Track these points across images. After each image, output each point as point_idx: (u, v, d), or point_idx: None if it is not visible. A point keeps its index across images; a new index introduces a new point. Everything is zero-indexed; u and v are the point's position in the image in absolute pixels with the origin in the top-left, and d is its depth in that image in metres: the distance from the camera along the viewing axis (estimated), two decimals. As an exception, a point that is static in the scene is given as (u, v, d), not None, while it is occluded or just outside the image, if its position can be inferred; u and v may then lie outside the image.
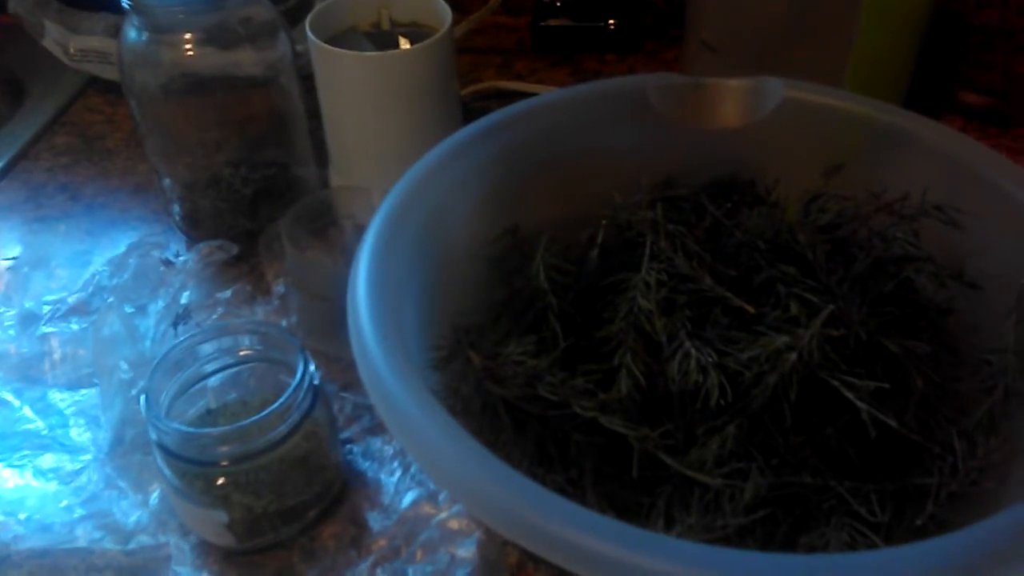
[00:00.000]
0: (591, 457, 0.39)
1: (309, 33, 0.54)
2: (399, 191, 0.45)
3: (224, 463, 0.40)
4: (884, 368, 0.40)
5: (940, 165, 0.46)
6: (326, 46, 0.53)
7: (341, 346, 0.52)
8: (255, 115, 0.57)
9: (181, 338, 0.44)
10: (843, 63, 0.56)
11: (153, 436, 0.40)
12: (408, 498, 0.44)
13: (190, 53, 0.53)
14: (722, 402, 0.38)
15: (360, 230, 0.56)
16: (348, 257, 0.55)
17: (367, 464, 0.46)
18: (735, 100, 0.51)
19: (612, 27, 0.78)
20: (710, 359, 0.39)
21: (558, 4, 0.79)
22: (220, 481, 0.40)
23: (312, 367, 0.42)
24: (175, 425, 0.40)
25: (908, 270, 0.43)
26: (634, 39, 0.79)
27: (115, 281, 0.55)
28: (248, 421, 0.40)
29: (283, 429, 0.40)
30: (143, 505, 0.44)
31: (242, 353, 0.44)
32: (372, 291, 0.40)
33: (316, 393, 0.42)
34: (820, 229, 0.45)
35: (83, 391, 0.51)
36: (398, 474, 0.45)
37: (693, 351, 0.39)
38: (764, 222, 0.47)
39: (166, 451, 0.40)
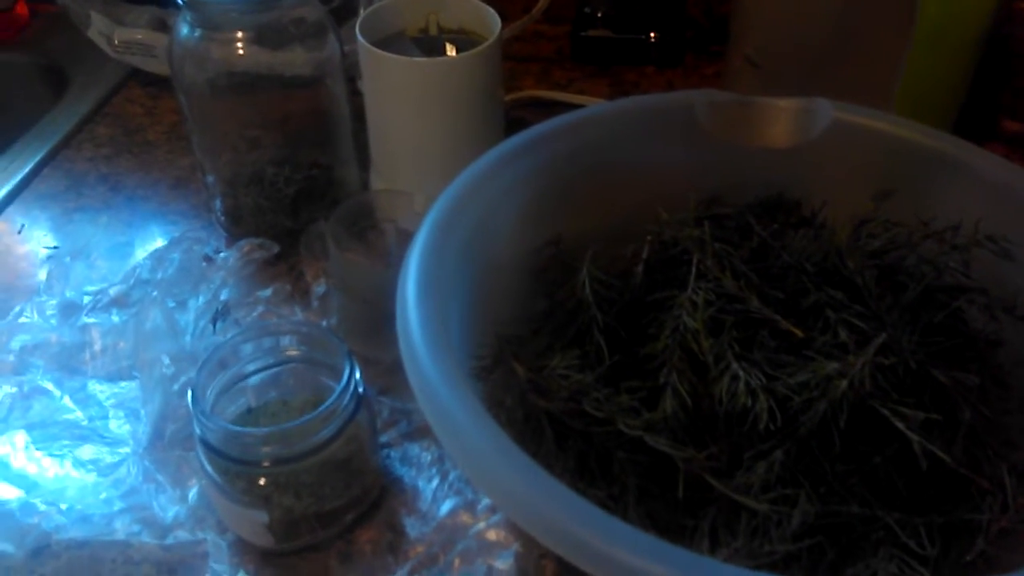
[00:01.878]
0: (634, 474, 0.39)
1: (359, 36, 0.54)
2: (448, 198, 0.45)
3: (267, 463, 0.40)
4: (932, 398, 0.40)
5: (991, 194, 0.46)
6: (376, 50, 0.53)
7: (380, 349, 0.53)
8: (301, 115, 0.57)
9: (228, 336, 0.44)
10: (892, 86, 0.56)
11: (198, 432, 0.40)
12: (446, 506, 0.44)
13: (240, 51, 0.53)
14: (771, 426, 0.37)
15: (402, 234, 0.56)
16: (390, 260, 0.55)
17: (405, 470, 0.46)
18: (784, 120, 0.51)
19: (653, 40, 0.78)
20: (759, 382, 0.38)
21: (599, 15, 0.79)
22: (262, 481, 0.41)
23: (358, 372, 0.42)
24: (221, 423, 0.40)
25: (960, 300, 0.43)
26: (674, 53, 0.79)
27: (157, 275, 0.55)
28: (293, 423, 0.40)
29: (327, 433, 0.40)
30: (181, 500, 0.44)
31: (288, 353, 0.44)
32: (421, 297, 0.40)
33: (360, 398, 0.42)
34: (869, 255, 0.45)
35: (123, 383, 0.51)
36: (436, 481, 0.45)
37: (741, 373, 0.39)
38: (811, 245, 0.47)
39: (210, 448, 0.40)
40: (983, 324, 0.43)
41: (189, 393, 0.40)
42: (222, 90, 0.54)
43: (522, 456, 0.33)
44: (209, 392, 0.42)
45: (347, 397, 0.41)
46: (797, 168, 0.51)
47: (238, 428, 0.41)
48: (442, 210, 0.44)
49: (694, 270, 0.44)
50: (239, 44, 0.52)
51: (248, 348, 0.44)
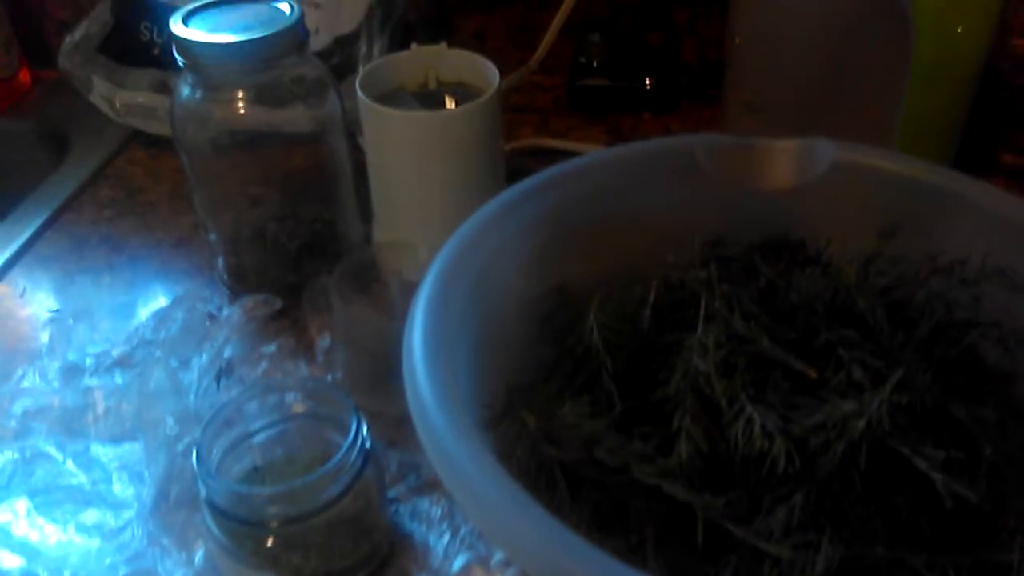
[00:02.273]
0: (651, 523, 0.38)
1: (359, 92, 0.54)
2: (451, 248, 0.45)
3: (274, 524, 0.39)
4: (950, 436, 0.39)
5: (996, 228, 0.46)
6: (376, 105, 0.54)
7: (386, 401, 0.52)
8: (302, 171, 0.57)
9: (232, 394, 0.43)
10: (891, 125, 0.56)
11: (203, 494, 0.40)
12: (459, 562, 0.43)
13: (241, 110, 0.53)
14: (790, 470, 0.37)
15: (406, 286, 0.56)
16: (395, 313, 0.55)
17: (414, 525, 0.45)
18: (785, 161, 0.51)
19: (649, 87, 0.79)
20: (776, 424, 0.38)
21: (594, 64, 0.80)
22: (269, 542, 0.40)
23: (365, 427, 0.41)
24: (226, 483, 0.39)
25: (973, 335, 0.42)
26: (671, 98, 0.80)
27: (161, 334, 0.55)
28: (301, 481, 0.39)
29: (335, 490, 0.39)
30: (188, 564, 0.43)
31: (294, 410, 0.44)
32: (427, 349, 0.39)
33: (367, 453, 0.41)
34: (878, 292, 0.44)
35: (126, 445, 0.51)
36: (447, 536, 0.44)
37: (756, 416, 0.39)
38: (819, 283, 0.46)
39: (216, 509, 0.39)
40: (997, 359, 0.43)
41: (194, 453, 0.40)
42: (224, 149, 0.54)
43: (536, 508, 0.32)
44: (214, 452, 0.41)
45: (355, 453, 0.40)
46: (800, 208, 0.51)
47: (244, 488, 0.41)
48: (446, 260, 0.44)
49: (703, 312, 0.44)
50: (240, 104, 0.53)
51: (253, 406, 0.43)
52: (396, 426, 0.50)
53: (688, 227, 0.50)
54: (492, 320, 0.45)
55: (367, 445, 0.41)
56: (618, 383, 0.43)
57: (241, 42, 0.49)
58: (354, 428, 0.40)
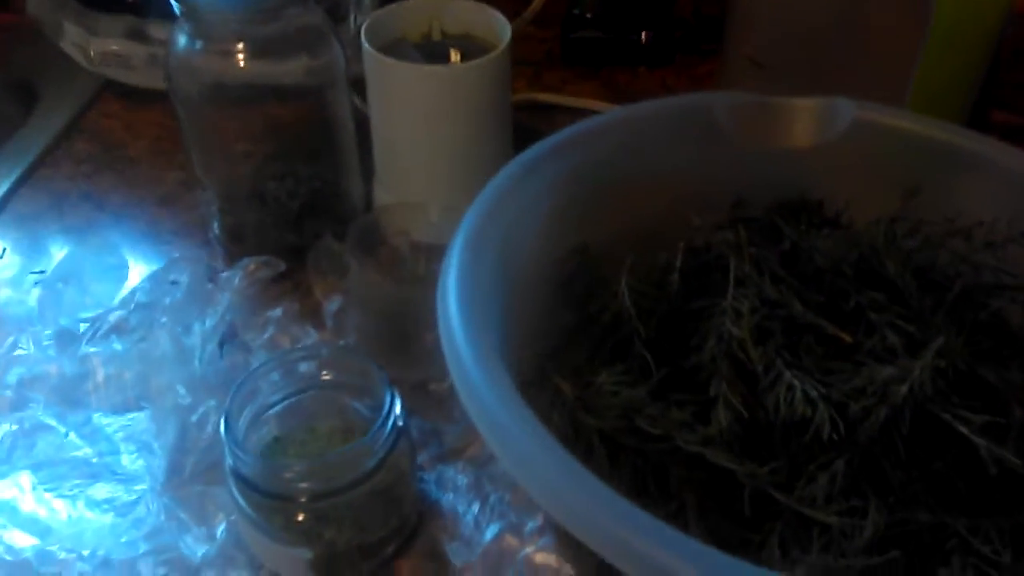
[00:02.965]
0: (693, 491, 0.38)
1: (365, 44, 0.52)
2: (478, 210, 0.43)
3: (305, 498, 0.38)
4: (982, 400, 0.40)
5: (1017, 189, 0.46)
6: (384, 58, 0.51)
7: (403, 367, 0.51)
8: (303, 126, 0.55)
9: (237, 359, 0.42)
10: (905, 85, 0.56)
11: (231, 466, 0.38)
12: (491, 531, 0.42)
13: (241, 63, 0.50)
14: (834, 436, 0.37)
15: (415, 247, 0.54)
16: (405, 275, 0.53)
17: (442, 494, 0.44)
18: (805, 120, 0.50)
19: (644, 40, 0.78)
20: (817, 391, 0.38)
21: (588, 16, 0.78)
22: (300, 516, 0.39)
23: (398, 400, 0.40)
24: (260, 459, 0.38)
25: (1002, 298, 0.42)
26: (666, 52, 0.78)
27: (162, 299, 0.52)
28: (335, 455, 0.38)
29: (370, 463, 0.38)
30: (209, 539, 0.42)
31: (322, 378, 0.42)
32: (463, 313, 0.38)
33: (400, 426, 0.40)
34: (904, 255, 0.44)
35: (130, 415, 0.49)
36: (476, 505, 0.43)
37: (797, 382, 0.38)
38: (843, 245, 0.46)
39: (246, 483, 0.38)
40: (1021, 321, 0.43)
41: (222, 425, 0.38)
42: (222, 102, 0.52)
43: (590, 475, 0.32)
44: (240, 424, 0.40)
45: (388, 426, 0.39)
46: (818, 168, 0.50)
47: (279, 463, 0.39)
48: (473, 223, 0.43)
49: (732, 276, 0.43)
50: (240, 55, 0.50)
51: (276, 376, 0.42)
52: (413, 393, 0.49)
53: (705, 187, 0.49)
54: (516, 284, 0.44)
55: (400, 418, 0.40)
56: (649, 350, 0.42)
57: (246, -10, 0.46)
58: (388, 401, 0.39)
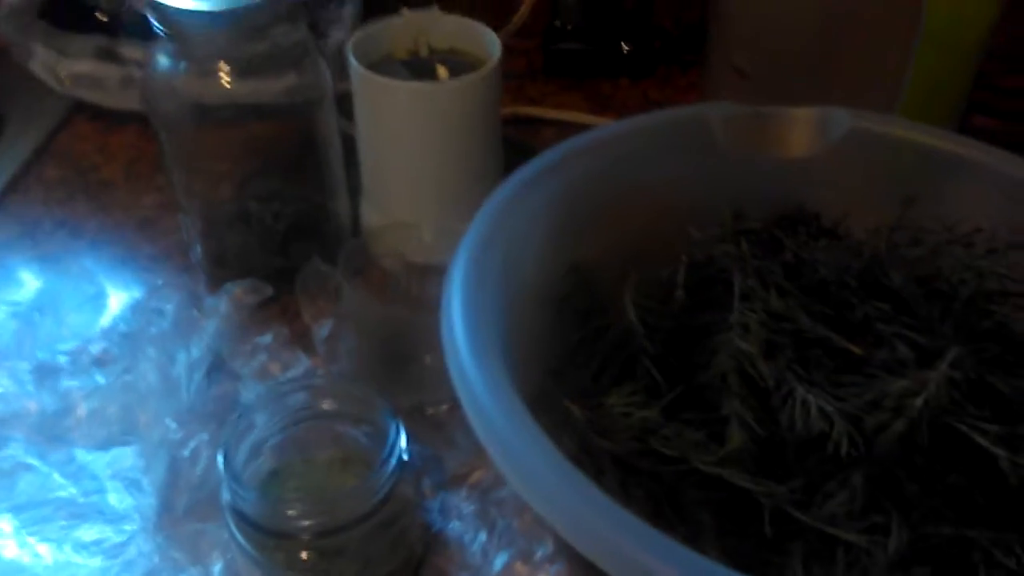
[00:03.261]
0: (710, 513, 0.37)
1: (353, 61, 0.50)
2: (478, 230, 0.42)
3: (308, 536, 0.36)
4: (992, 408, 0.39)
5: (1013, 195, 0.46)
6: (374, 75, 0.50)
7: (399, 392, 0.49)
8: (290, 146, 0.53)
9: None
10: (896, 93, 0.55)
11: (230, 503, 0.37)
12: (500, 560, 0.41)
13: (226, 83, 0.49)
14: (852, 452, 0.36)
15: (409, 268, 0.53)
16: (402, 297, 0.52)
17: (446, 523, 0.43)
18: (801, 130, 0.50)
19: (626, 51, 0.77)
20: (831, 406, 0.37)
21: (569, 28, 0.78)
22: (304, 555, 0.37)
23: (403, 432, 0.38)
24: (262, 497, 0.37)
25: (1006, 305, 0.42)
26: (647, 63, 0.78)
27: (143, 328, 0.50)
28: (340, 492, 0.36)
29: (376, 498, 0.37)
30: (205, 579, 0.40)
31: (320, 407, 0.41)
32: (469, 335, 0.37)
33: (403, 459, 0.39)
34: (907, 264, 0.44)
35: (114, 450, 0.47)
36: (483, 534, 0.42)
37: (811, 398, 0.38)
38: (846, 256, 0.46)
39: (246, 521, 0.36)
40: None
41: (220, 461, 0.36)
42: (205, 124, 0.50)
43: (606, 498, 0.31)
44: (238, 459, 0.38)
45: (394, 459, 0.37)
46: (814, 179, 0.50)
47: (282, 501, 0.38)
48: (473, 246, 0.41)
49: (737, 290, 0.42)
50: (225, 76, 0.48)
51: (272, 408, 0.40)
52: (410, 418, 0.47)
53: (702, 200, 0.48)
54: (517, 304, 0.43)
55: (405, 450, 0.38)
56: (656, 366, 0.41)
57: (230, 10, 0.45)
58: (392, 432, 0.37)
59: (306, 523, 0.36)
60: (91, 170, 0.68)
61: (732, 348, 0.40)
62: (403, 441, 0.38)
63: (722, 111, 0.50)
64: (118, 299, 0.56)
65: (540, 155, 0.47)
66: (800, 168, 0.50)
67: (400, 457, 0.38)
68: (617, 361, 0.43)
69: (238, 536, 0.37)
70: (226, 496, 0.37)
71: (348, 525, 0.36)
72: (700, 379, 0.41)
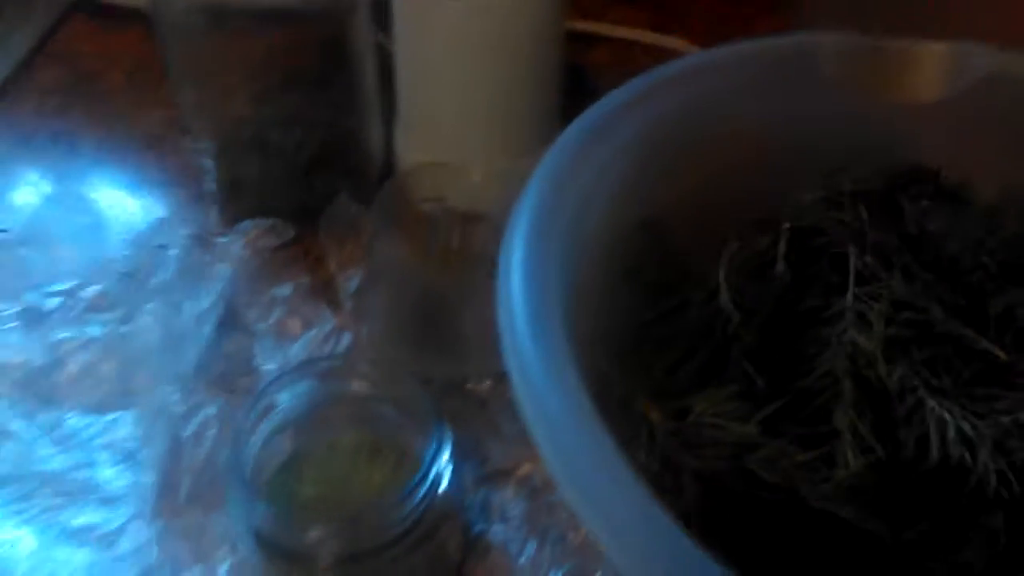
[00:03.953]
0: (810, 553, 0.31)
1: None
2: (544, 178, 0.35)
3: (329, 563, 0.30)
4: None
5: None
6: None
7: (434, 363, 0.43)
8: (317, 61, 0.45)
9: (235, 346, 0.34)
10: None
11: (243, 519, 0.31)
12: (553, 577, 0.35)
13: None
14: (1003, 493, 0.29)
15: (450, 215, 0.46)
16: (441, 249, 0.45)
17: (488, 526, 0.37)
18: (931, 69, 0.42)
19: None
20: (980, 429, 0.30)
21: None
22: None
23: (450, 443, 0.32)
24: (278, 514, 0.30)
25: None
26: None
27: (144, 269, 0.44)
28: (366, 510, 0.30)
29: (410, 521, 0.30)
30: (210, 581, 0.35)
31: (351, 390, 0.34)
32: (531, 308, 0.31)
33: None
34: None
35: (110, 415, 0.41)
36: (532, 544, 0.36)
37: (948, 415, 0.31)
38: (978, 228, 0.38)
39: (259, 537, 0.30)
40: None
41: (230, 457, 0.30)
42: (217, 31, 0.42)
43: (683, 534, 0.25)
44: (251, 448, 0.32)
45: (431, 476, 0.31)
46: (936, 130, 0.42)
47: (300, 519, 0.31)
48: (539, 197, 0.34)
49: (852, 269, 0.35)
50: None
51: (295, 388, 0.34)
52: (446, 395, 0.41)
53: (800, 150, 0.41)
54: (581, 269, 0.36)
55: (450, 461, 0.32)
56: (752, 363, 0.34)
57: None
58: (433, 448, 0.31)
59: (328, 547, 0.30)
60: (91, 76, 0.60)
61: (846, 344, 0.33)
62: (446, 455, 0.31)
63: (835, 43, 0.41)
64: (117, 232, 0.49)
65: (613, 92, 0.39)
66: (922, 115, 0.42)
67: (439, 474, 0.31)
68: (702, 352, 0.36)
69: (250, 546, 0.31)
70: (235, 508, 0.31)
71: (377, 549, 0.30)
72: (803, 382, 0.34)
